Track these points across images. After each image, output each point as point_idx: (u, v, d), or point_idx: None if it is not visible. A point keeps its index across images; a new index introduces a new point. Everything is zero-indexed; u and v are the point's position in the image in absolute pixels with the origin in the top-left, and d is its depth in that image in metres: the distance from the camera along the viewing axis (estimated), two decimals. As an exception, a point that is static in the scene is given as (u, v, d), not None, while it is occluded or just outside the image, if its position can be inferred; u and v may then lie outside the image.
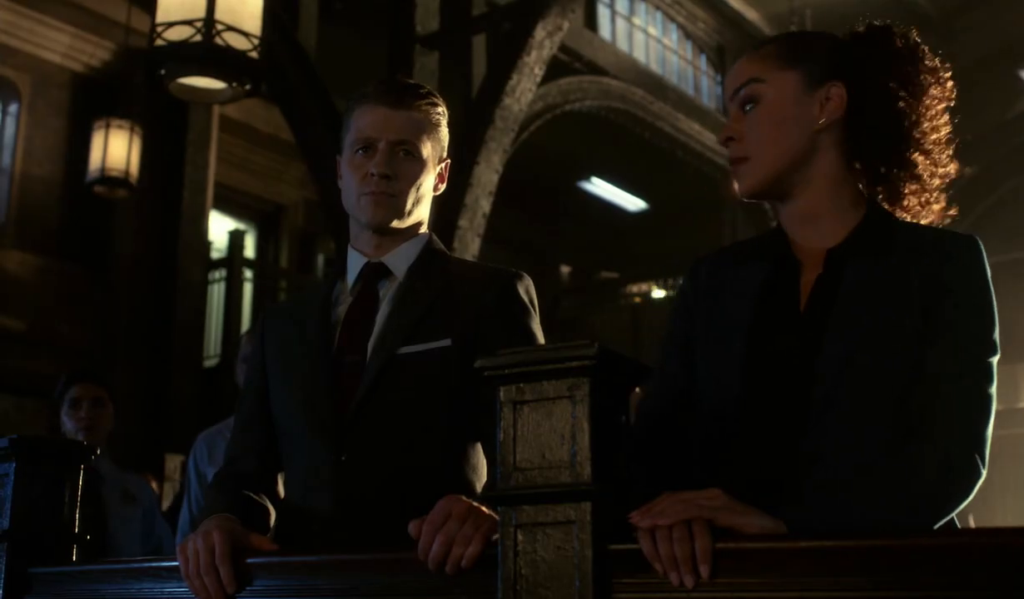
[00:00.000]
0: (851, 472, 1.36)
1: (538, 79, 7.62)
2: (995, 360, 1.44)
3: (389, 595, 1.38)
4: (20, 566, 1.80)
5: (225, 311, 9.34)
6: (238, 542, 1.52)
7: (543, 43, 7.41)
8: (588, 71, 9.68)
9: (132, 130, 7.39)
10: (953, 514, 1.38)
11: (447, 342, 1.73)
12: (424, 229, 1.89)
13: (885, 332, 1.43)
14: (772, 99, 1.51)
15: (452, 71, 7.92)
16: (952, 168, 1.58)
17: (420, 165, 1.81)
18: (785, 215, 1.57)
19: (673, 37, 11.32)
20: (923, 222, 1.60)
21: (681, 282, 1.72)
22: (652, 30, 11.00)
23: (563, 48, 8.53)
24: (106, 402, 3.44)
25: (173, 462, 7.12)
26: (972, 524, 5.93)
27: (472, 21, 7.99)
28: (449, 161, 1.91)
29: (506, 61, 7.41)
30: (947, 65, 1.56)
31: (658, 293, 10.22)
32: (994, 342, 1.44)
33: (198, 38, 3.82)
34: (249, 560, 1.51)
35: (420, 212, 1.85)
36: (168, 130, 8.70)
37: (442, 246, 1.90)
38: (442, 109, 1.86)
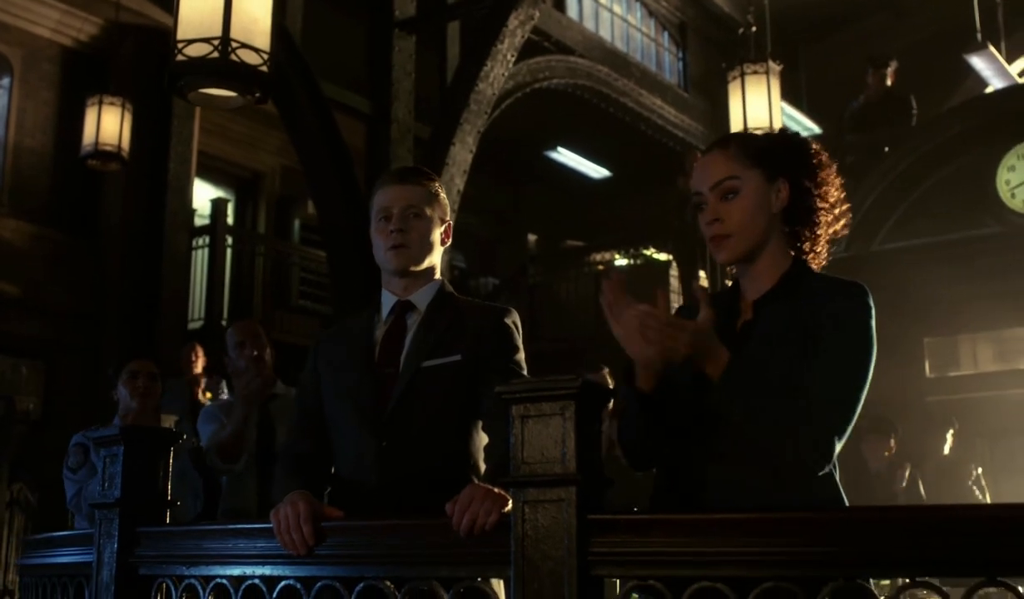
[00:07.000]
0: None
1: (510, 65, 8.04)
2: (862, 393, 1.93)
3: (429, 550, 1.93)
4: (130, 526, 2.33)
5: (208, 276, 9.78)
6: (315, 510, 2.07)
7: (515, 31, 7.85)
8: (556, 50, 10.07)
9: (123, 107, 7.79)
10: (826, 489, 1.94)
11: (458, 357, 2.32)
12: (438, 275, 2.47)
13: (781, 359, 1.97)
14: (748, 192, 2.04)
15: (429, 56, 8.34)
16: (840, 230, 2.16)
17: (426, 222, 2.40)
18: (744, 273, 2.11)
19: (637, 15, 11.75)
20: (814, 265, 2.15)
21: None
22: (617, 9, 11.41)
23: (533, 28, 8.95)
24: (158, 378, 3.98)
25: (166, 422, 7.56)
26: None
27: (448, 8, 8.38)
28: (451, 223, 2.49)
29: (480, 48, 7.82)
30: (835, 163, 2.13)
31: (620, 262, 10.79)
32: (863, 376, 1.94)
33: (215, 55, 4.24)
34: (323, 524, 2.05)
35: (432, 259, 2.43)
36: (154, 103, 9.04)
37: (451, 289, 2.48)
38: (437, 184, 2.46)
